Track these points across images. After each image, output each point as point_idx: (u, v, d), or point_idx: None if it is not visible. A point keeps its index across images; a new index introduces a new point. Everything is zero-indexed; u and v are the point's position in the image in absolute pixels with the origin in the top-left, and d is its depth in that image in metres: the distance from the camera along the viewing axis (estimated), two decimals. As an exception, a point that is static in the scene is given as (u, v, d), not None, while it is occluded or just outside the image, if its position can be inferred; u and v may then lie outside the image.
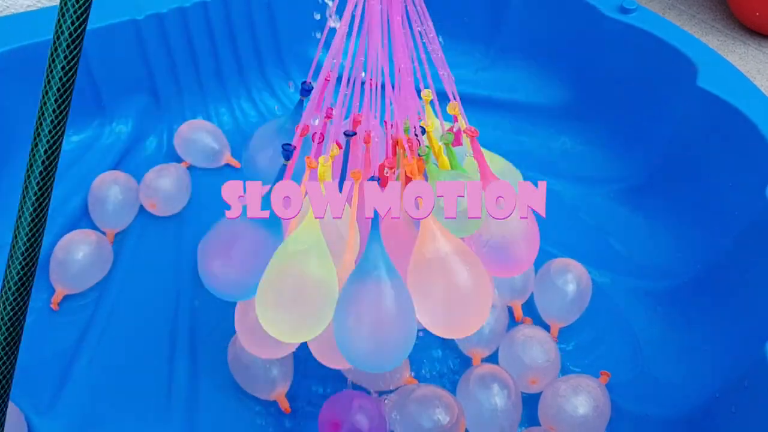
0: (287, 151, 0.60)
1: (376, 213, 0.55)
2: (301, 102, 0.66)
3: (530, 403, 0.75)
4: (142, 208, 0.95)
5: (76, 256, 0.84)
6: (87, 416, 0.75)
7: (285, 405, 0.73)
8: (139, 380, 0.78)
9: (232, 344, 0.75)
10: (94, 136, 1.03)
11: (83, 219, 0.93)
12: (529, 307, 0.84)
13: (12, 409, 0.71)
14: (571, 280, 0.81)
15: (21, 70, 0.93)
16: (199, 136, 1.02)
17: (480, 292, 0.57)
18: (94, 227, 0.92)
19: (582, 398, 0.71)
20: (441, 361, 0.80)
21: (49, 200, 0.48)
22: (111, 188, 0.92)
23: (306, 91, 0.63)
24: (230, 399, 0.76)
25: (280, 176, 0.61)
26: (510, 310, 0.82)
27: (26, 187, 0.47)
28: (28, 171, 0.47)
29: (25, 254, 0.47)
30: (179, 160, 1.02)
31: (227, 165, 1.03)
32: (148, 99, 1.05)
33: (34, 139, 0.46)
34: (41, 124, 0.44)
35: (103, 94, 1.02)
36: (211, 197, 0.99)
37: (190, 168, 1.02)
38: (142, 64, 1.02)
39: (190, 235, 0.92)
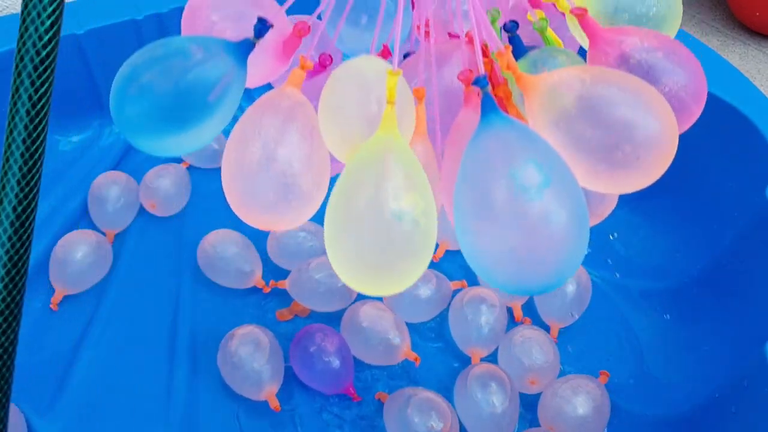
0: (262, 27, 0.45)
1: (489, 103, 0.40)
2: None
3: (530, 403, 0.75)
4: (142, 208, 0.95)
5: (75, 256, 0.84)
6: (87, 417, 0.75)
7: (275, 404, 0.73)
8: (139, 380, 0.78)
9: (221, 347, 0.75)
10: (94, 136, 1.03)
11: (83, 219, 0.93)
12: (529, 308, 0.84)
13: (12, 410, 0.71)
14: (571, 280, 0.81)
15: (21, 70, 0.93)
16: (199, 136, 1.01)
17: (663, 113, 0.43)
18: (94, 227, 0.92)
19: (581, 399, 0.71)
20: (439, 359, 0.80)
21: (35, 202, 0.46)
22: (111, 188, 0.92)
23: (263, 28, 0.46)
24: (230, 399, 0.76)
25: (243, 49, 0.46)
26: (510, 311, 0.82)
27: (4, 191, 0.45)
28: (2, 178, 0.45)
29: (9, 257, 0.45)
30: (179, 160, 1.02)
31: (227, 165, 1.03)
32: (148, 99, 1.05)
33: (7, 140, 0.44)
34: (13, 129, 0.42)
35: (103, 94, 1.02)
36: (211, 197, 1.00)
37: (190, 168, 1.01)
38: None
39: (190, 235, 0.92)
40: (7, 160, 0.44)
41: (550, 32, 0.51)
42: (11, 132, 0.43)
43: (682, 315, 0.83)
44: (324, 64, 0.53)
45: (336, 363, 0.74)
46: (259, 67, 0.50)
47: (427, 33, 0.50)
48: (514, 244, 0.38)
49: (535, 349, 0.75)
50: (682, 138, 0.98)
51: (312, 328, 0.76)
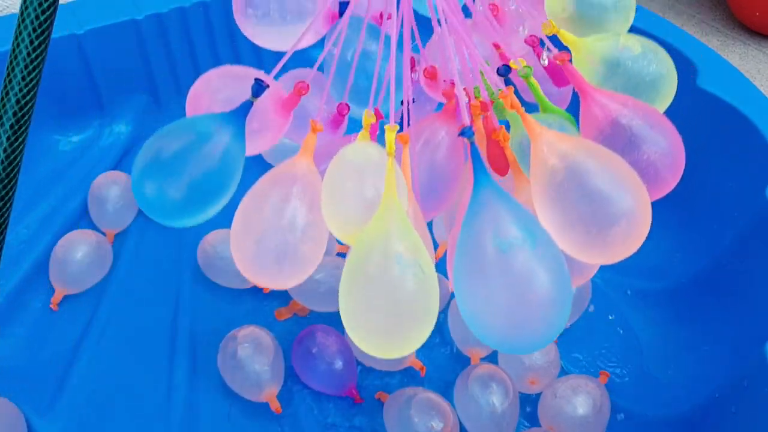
0: (259, 87, 0.50)
1: (475, 150, 0.45)
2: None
3: (530, 403, 0.75)
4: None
5: (75, 256, 0.84)
6: (87, 416, 0.75)
7: (275, 405, 0.73)
8: (139, 380, 0.78)
9: (222, 348, 0.75)
10: (94, 136, 1.03)
11: (83, 219, 0.93)
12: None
13: (12, 410, 0.71)
14: None
15: (21, 70, 0.93)
16: (199, 136, 1.02)
17: (637, 191, 0.46)
18: (94, 227, 0.92)
19: (581, 398, 0.71)
20: (439, 359, 0.80)
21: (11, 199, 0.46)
22: (111, 188, 0.92)
23: (260, 88, 0.52)
24: (229, 399, 0.76)
25: (241, 111, 0.51)
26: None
27: None
28: None
29: None
30: (179, 160, 1.02)
31: (227, 165, 1.03)
32: (148, 99, 1.05)
33: None
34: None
35: (103, 94, 1.02)
36: (211, 197, 1.00)
37: (190, 168, 1.01)
38: (142, 64, 1.02)
39: (190, 236, 0.92)
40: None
41: (533, 80, 0.56)
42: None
43: (682, 315, 0.83)
44: (342, 113, 0.58)
45: (339, 365, 0.74)
46: (264, 129, 0.55)
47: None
48: (503, 307, 0.42)
49: None
50: (682, 138, 0.97)
51: (314, 329, 0.76)
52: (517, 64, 0.55)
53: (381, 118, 0.55)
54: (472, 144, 0.46)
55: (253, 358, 0.73)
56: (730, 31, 1.40)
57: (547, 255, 0.43)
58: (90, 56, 0.97)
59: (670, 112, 0.95)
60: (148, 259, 0.91)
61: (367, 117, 0.50)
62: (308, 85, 0.54)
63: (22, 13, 0.40)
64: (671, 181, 0.53)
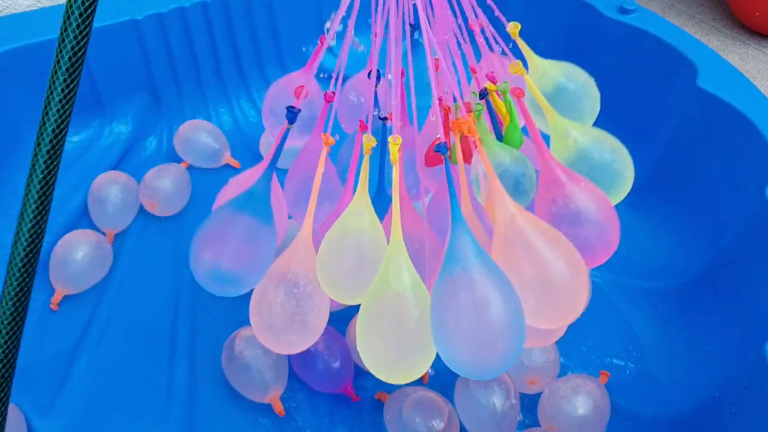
0: (291, 113, 0.58)
1: (453, 194, 0.50)
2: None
3: (530, 403, 0.75)
4: (142, 208, 0.96)
5: (76, 256, 0.84)
6: (87, 416, 0.75)
7: (279, 407, 0.73)
8: (139, 380, 0.78)
9: (226, 348, 0.75)
10: (94, 136, 1.03)
11: (83, 219, 0.94)
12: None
13: (12, 410, 0.71)
14: None
15: (21, 70, 0.93)
16: (199, 136, 1.02)
17: (575, 270, 0.51)
18: (94, 227, 0.92)
19: (581, 398, 0.71)
20: (440, 360, 0.80)
21: (51, 199, 0.47)
22: (111, 188, 0.92)
23: (293, 115, 0.59)
24: (229, 399, 0.76)
25: (281, 145, 0.60)
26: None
27: (29, 187, 0.47)
28: (30, 170, 0.47)
29: (26, 255, 0.46)
30: (179, 160, 1.02)
31: (227, 165, 1.03)
32: (148, 99, 1.05)
33: (37, 138, 0.45)
34: (44, 124, 0.44)
35: (103, 94, 1.02)
36: (211, 197, 0.99)
37: (190, 168, 1.02)
38: (142, 64, 1.02)
39: (190, 235, 0.91)
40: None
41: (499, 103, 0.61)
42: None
43: (683, 315, 0.83)
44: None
45: (336, 363, 0.74)
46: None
47: None
48: (470, 347, 0.49)
49: (535, 349, 0.75)
50: (682, 138, 0.98)
51: None
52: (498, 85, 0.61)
53: (365, 129, 0.61)
54: (447, 162, 0.52)
55: (259, 358, 0.73)
56: (730, 31, 1.40)
57: (508, 308, 0.48)
58: (90, 56, 0.96)
59: (670, 113, 0.96)
60: (148, 259, 0.91)
61: (368, 141, 0.55)
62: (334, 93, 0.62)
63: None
64: (601, 258, 0.57)
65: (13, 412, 0.71)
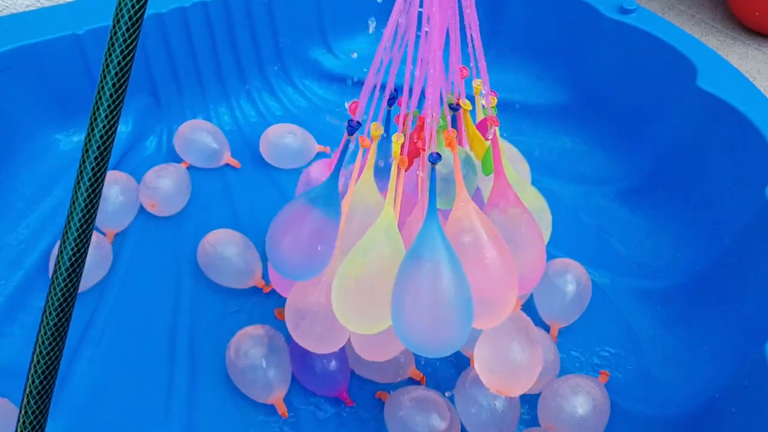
0: (351, 127, 0.62)
1: (433, 188, 0.56)
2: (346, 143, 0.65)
3: (530, 403, 0.75)
4: (142, 208, 0.96)
5: (76, 256, 0.84)
6: (87, 416, 0.75)
7: (282, 409, 0.73)
8: (139, 380, 0.78)
9: (230, 347, 0.75)
10: (94, 136, 1.03)
11: (83, 219, 0.93)
12: (529, 308, 0.84)
13: (12, 410, 0.71)
14: (571, 280, 0.81)
15: (21, 70, 0.93)
16: (199, 136, 1.02)
17: (508, 276, 0.58)
18: (95, 227, 0.92)
19: (581, 398, 0.71)
20: (440, 360, 0.80)
21: (97, 206, 0.47)
22: (111, 188, 0.92)
23: (353, 128, 0.63)
24: (230, 399, 0.76)
25: (344, 151, 0.63)
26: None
27: (76, 194, 0.46)
28: (82, 160, 0.47)
29: (76, 251, 0.46)
30: (179, 160, 1.02)
31: (227, 165, 1.03)
32: (148, 99, 1.05)
33: (89, 129, 0.46)
34: (96, 112, 0.43)
35: (103, 94, 1.02)
36: (211, 197, 1.00)
37: (190, 168, 1.02)
38: (142, 64, 1.02)
39: (190, 235, 0.92)
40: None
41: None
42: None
43: (682, 315, 0.83)
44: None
45: (332, 366, 0.73)
46: None
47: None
48: (424, 324, 0.55)
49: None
50: (682, 138, 0.98)
51: None
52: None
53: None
54: (433, 170, 0.57)
55: (264, 358, 0.73)
56: (730, 31, 1.40)
57: (460, 296, 0.55)
58: (90, 56, 0.97)
59: (670, 113, 0.96)
60: (148, 259, 0.91)
61: (375, 130, 0.61)
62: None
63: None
64: (528, 285, 0.66)
65: (13, 412, 0.71)
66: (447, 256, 0.55)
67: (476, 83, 0.66)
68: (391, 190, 0.59)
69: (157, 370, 0.79)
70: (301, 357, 0.74)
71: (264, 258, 0.87)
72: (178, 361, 0.79)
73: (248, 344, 0.74)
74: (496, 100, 0.66)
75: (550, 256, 0.87)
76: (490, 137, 0.65)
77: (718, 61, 0.90)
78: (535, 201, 0.70)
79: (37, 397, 0.46)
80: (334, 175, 0.63)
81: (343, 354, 0.75)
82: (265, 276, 0.86)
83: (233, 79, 1.11)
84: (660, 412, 0.74)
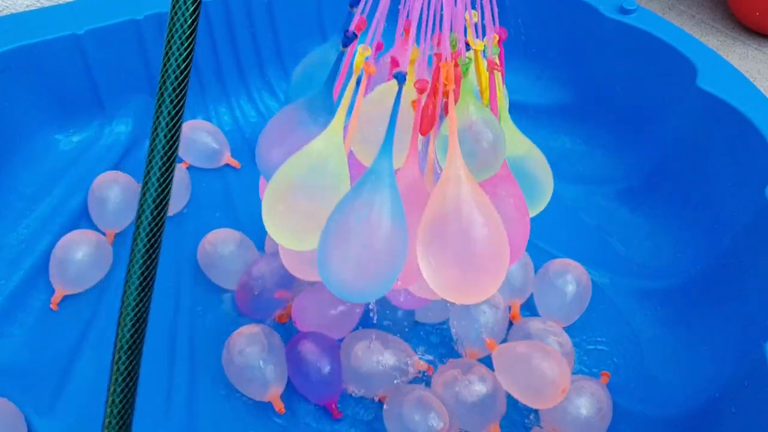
0: (347, 38, 0.57)
1: (392, 120, 0.52)
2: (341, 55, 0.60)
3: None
4: (142, 208, 0.95)
5: (76, 256, 0.84)
6: (87, 416, 0.75)
7: (279, 406, 0.73)
8: (139, 380, 0.78)
9: (227, 346, 0.75)
10: (94, 136, 1.03)
11: (83, 219, 0.93)
12: (529, 307, 0.84)
13: (12, 410, 0.71)
14: (571, 280, 0.81)
15: (21, 70, 0.93)
16: (199, 136, 1.02)
17: (499, 250, 0.53)
18: (94, 227, 0.92)
19: (585, 400, 0.70)
20: (438, 358, 0.80)
21: (166, 210, 0.47)
22: (111, 188, 0.92)
23: (348, 40, 0.58)
24: (230, 399, 0.76)
25: (337, 65, 0.59)
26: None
27: (146, 182, 0.46)
28: (149, 159, 0.46)
29: (148, 247, 0.45)
30: (179, 160, 1.02)
31: (227, 165, 1.03)
32: (148, 99, 1.05)
33: (153, 128, 0.45)
34: (161, 107, 0.43)
35: (103, 94, 1.02)
36: (211, 197, 1.00)
37: (190, 168, 1.02)
38: (142, 64, 1.02)
39: (190, 235, 0.92)
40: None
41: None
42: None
43: (683, 315, 0.83)
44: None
45: (325, 373, 0.73)
46: None
47: None
48: (357, 258, 0.51)
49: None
50: (682, 138, 0.98)
51: (307, 336, 0.75)
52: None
53: (381, 48, 0.59)
54: (399, 91, 0.52)
55: (260, 356, 0.73)
56: (730, 31, 1.40)
57: (396, 228, 0.52)
58: (90, 56, 0.97)
59: (670, 113, 0.96)
60: (148, 259, 0.90)
61: (362, 52, 0.55)
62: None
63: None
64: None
65: (13, 412, 0.71)
66: (390, 200, 0.51)
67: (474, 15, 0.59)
68: (345, 102, 0.55)
69: (157, 370, 0.79)
70: (294, 361, 0.74)
71: (264, 258, 0.87)
72: (178, 361, 0.79)
73: (244, 342, 0.74)
74: (497, 39, 0.60)
75: (550, 256, 0.87)
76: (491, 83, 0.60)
77: (718, 61, 0.90)
78: (531, 154, 0.66)
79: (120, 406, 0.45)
80: (328, 85, 0.60)
81: (336, 361, 0.74)
82: (265, 276, 0.86)
83: (233, 79, 1.11)
84: (660, 412, 0.74)
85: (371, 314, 0.75)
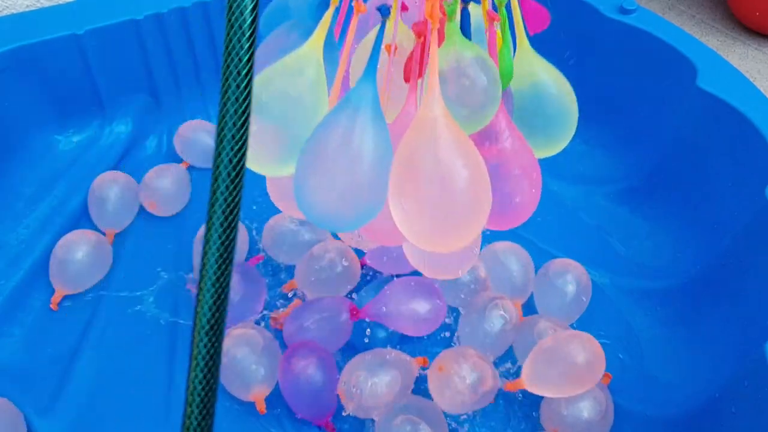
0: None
1: (376, 45, 0.49)
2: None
3: (533, 405, 0.75)
4: (141, 208, 0.95)
5: (76, 256, 0.84)
6: (87, 416, 0.75)
7: (261, 406, 0.72)
8: (139, 380, 0.78)
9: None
10: (94, 136, 1.03)
11: (83, 219, 0.93)
12: (529, 307, 0.84)
13: (12, 410, 0.71)
14: (571, 280, 0.81)
15: (21, 70, 0.93)
16: (199, 136, 1.02)
17: (478, 196, 0.49)
18: (94, 227, 0.92)
19: (587, 402, 0.70)
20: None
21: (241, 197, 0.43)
22: (111, 188, 0.92)
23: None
24: (229, 399, 0.76)
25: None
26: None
27: (214, 191, 0.43)
28: (215, 168, 0.43)
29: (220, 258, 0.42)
30: (179, 160, 1.02)
31: (227, 165, 1.03)
32: (148, 99, 1.05)
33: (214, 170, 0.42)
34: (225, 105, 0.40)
35: (103, 94, 1.02)
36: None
37: (190, 168, 1.02)
38: (142, 64, 1.02)
39: (190, 236, 0.92)
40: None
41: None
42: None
43: (682, 315, 0.83)
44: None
45: (317, 389, 0.72)
46: None
47: None
48: (339, 183, 0.48)
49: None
50: (682, 138, 0.98)
51: (304, 348, 0.73)
52: None
53: (406, 9, 0.54)
54: (382, 24, 0.49)
55: (245, 356, 0.72)
56: (730, 31, 1.40)
57: (378, 154, 0.48)
58: (90, 56, 0.97)
59: (670, 113, 0.96)
60: (148, 259, 0.91)
61: None
62: None
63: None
64: (513, 220, 0.56)
65: (13, 412, 0.71)
66: (371, 126, 0.48)
67: None
68: (327, 17, 0.50)
69: (156, 370, 0.79)
70: (287, 375, 0.73)
71: (264, 257, 0.87)
72: (178, 361, 0.79)
73: (232, 342, 0.73)
74: None
75: (550, 256, 0.87)
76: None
77: (718, 61, 0.90)
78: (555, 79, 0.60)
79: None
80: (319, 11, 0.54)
81: (331, 379, 0.72)
82: (264, 272, 0.86)
83: (233, 79, 1.11)
84: (660, 413, 0.74)
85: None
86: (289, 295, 0.84)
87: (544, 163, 1.06)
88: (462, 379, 0.69)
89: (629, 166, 1.00)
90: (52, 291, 0.85)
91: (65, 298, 0.85)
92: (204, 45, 1.05)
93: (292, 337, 0.76)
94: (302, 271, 0.82)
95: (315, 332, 0.75)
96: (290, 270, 0.86)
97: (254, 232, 0.91)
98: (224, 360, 0.72)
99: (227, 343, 0.73)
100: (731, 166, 0.84)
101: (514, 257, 0.83)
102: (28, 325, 0.82)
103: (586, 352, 0.70)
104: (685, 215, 0.91)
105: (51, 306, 0.84)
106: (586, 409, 0.70)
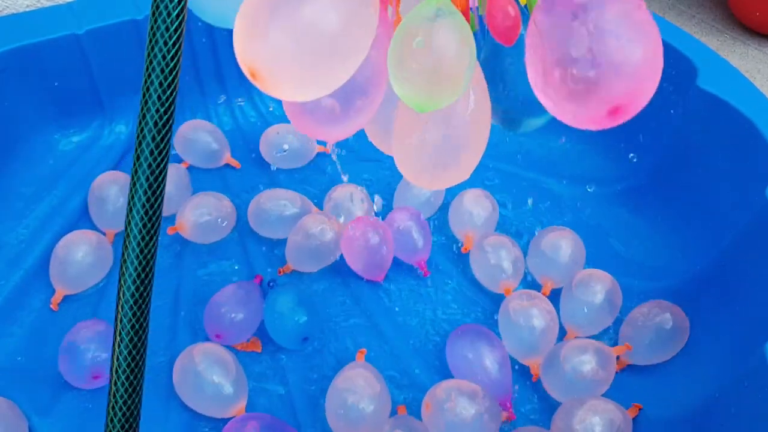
0: None
1: None
2: None
3: (546, 413, 0.75)
4: (142, 208, 0.95)
5: (76, 256, 0.84)
6: (87, 416, 0.75)
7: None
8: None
9: (180, 366, 0.74)
10: (94, 136, 1.03)
11: (83, 219, 0.94)
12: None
13: (12, 410, 0.71)
14: (600, 289, 0.82)
15: (21, 70, 0.93)
16: (199, 136, 1.02)
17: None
18: (94, 227, 0.92)
19: (598, 419, 0.68)
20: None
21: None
22: (111, 188, 0.92)
23: None
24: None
25: None
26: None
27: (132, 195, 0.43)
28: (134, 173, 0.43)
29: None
30: (179, 160, 1.02)
31: (227, 165, 1.03)
32: (148, 99, 1.05)
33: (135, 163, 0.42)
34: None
35: (103, 94, 1.02)
36: (211, 197, 1.00)
37: (190, 168, 1.02)
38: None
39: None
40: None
41: None
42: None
43: (682, 315, 0.83)
44: None
45: None
46: None
47: None
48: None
49: None
50: (682, 138, 0.98)
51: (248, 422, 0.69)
52: None
53: None
54: None
55: (215, 374, 0.72)
56: (730, 31, 1.40)
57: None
58: (90, 56, 0.97)
59: (670, 113, 0.96)
60: (148, 259, 0.90)
61: None
62: None
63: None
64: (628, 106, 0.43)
65: (13, 412, 0.71)
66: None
67: None
68: None
69: (156, 370, 0.79)
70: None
71: (264, 258, 0.87)
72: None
73: (198, 359, 0.73)
74: None
75: (550, 256, 0.87)
76: None
77: (718, 61, 0.90)
78: None
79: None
80: None
81: None
82: (264, 271, 0.86)
83: (233, 79, 1.11)
84: (660, 413, 0.74)
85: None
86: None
87: (544, 163, 1.06)
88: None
89: (629, 165, 1.00)
90: (52, 291, 0.85)
91: (65, 298, 0.85)
92: (204, 45, 1.05)
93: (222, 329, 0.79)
94: (293, 246, 0.85)
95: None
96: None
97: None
98: (192, 381, 0.72)
99: (194, 362, 0.72)
100: (731, 166, 0.84)
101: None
102: (28, 325, 0.82)
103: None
104: (685, 215, 0.91)
105: (51, 306, 0.84)
106: (598, 425, 0.68)
